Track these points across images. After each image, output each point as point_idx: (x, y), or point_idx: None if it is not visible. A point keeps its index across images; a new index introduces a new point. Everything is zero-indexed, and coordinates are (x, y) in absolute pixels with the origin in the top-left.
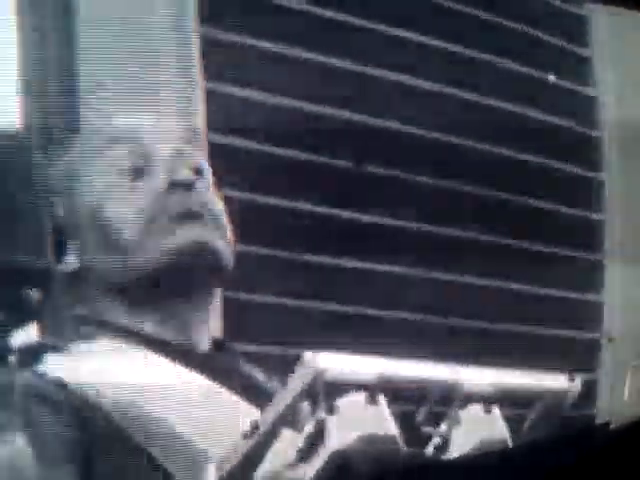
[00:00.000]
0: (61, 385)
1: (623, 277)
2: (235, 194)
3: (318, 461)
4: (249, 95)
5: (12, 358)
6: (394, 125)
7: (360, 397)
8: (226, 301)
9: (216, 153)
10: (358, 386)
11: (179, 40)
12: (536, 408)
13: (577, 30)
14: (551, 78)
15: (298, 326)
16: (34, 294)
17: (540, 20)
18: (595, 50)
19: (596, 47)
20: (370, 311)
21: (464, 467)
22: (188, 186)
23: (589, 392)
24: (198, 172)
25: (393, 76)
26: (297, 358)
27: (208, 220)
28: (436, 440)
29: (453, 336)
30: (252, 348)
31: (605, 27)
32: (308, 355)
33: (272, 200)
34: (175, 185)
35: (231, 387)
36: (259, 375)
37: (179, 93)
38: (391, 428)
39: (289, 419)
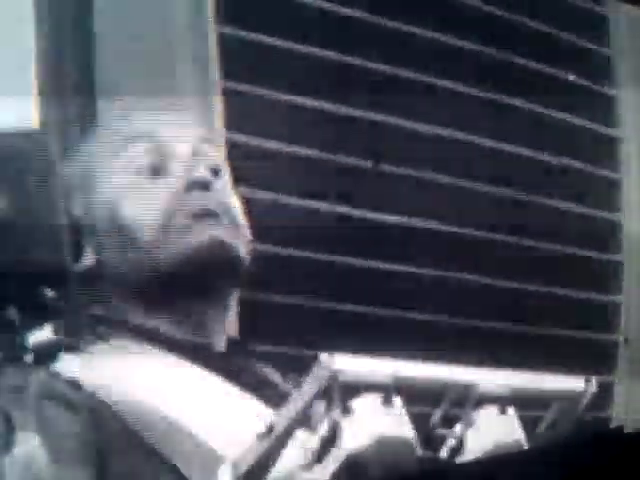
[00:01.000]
0: (76, 385)
1: None
2: (253, 193)
3: (333, 462)
4: (267, 94)
5: (28, 357)
6: (413, 125)
7: (375, 399)
8: (242, 301)
9: (234, 152)
10: (373, 388)
11: (197, 39)
12: (552, 410)
13: (597, 29)
14: (571, 77)
15: (314, 327)
16: (50, 293)
17: (559, 19)
18: (615, 49)
19: (616, 46)
20: (386, 312)
21: (479, 469)
22: (206, 185)
23: (605, 394)
24: (216, 171)
25: (411, 75)
26: (313, 359)
27: (225, 219)
28: (451, 442)
29: (468, 337)
30: (268, 348)
31: (625, 26)
32: (324, 356)
33: (289, 199)
34: (193, 184)
35: (246, 387)
36: (274, 376)
37: (197, 92)
38: (406, 430)
39: (304, 420)
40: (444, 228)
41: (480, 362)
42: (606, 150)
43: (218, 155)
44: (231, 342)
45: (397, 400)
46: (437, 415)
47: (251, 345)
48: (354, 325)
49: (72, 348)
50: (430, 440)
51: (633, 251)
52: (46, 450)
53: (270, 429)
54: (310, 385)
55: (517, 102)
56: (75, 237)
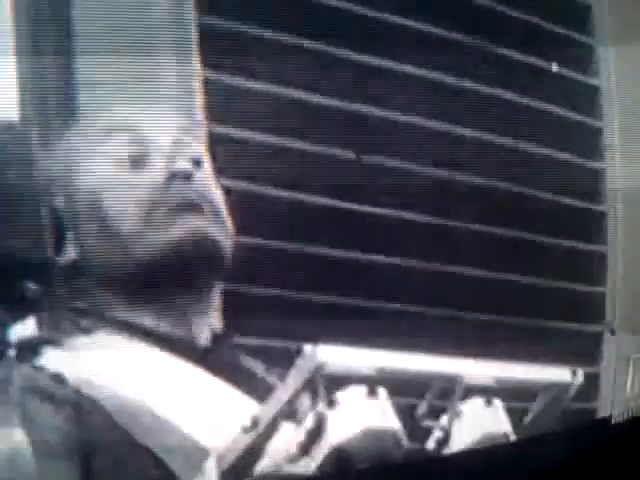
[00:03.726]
0: (60, 379)
1: (626, 269)
2: (234, 185)
3: (319, 454)
4: (249, 85)
5: (11, 352)
6: (395, 116)
7: (360, 390)
8: (225, 293)
9: (215, 143)
10: (358, 379)
11: (178, 29)
12: (538, 401)
13: (580, 18)
14: (554, 67)
15: (298, 319)
16: (32, 287)
17: (542, 7)
18: (597, 38)
19: (599, 35)
20: (371, 304)
21: (465, 460)
22: (187, 177)
23: (591, 385)
24: (197, 163)
25: (394, 65)
26: (297, 351)
27: (207, 211)
28: (437, 433)
29: (454, 329)
30: (252, 341)
31: (608, 14)
32: (308, 348)
33: (272, 191)
34: (174, 176)
35: (231, 380)
36: (259, 368)
37: (178, 83)
38: (392, 421)
39: (289, 413)
40: (428, 219)
41: (466, 353)
42: (589, 140)
43: (199, 146)
44: (215, 335)
45: (382, 392)
46: (423, 406)
47: (235, 338)
48: (339, 317)
49: (55, 342)
50: (416, 431)
51: (618, 242)
52: (30, 444)
53: (255, 422)
54: (295, 377)
55: (500, 92)
56: (57, 230)
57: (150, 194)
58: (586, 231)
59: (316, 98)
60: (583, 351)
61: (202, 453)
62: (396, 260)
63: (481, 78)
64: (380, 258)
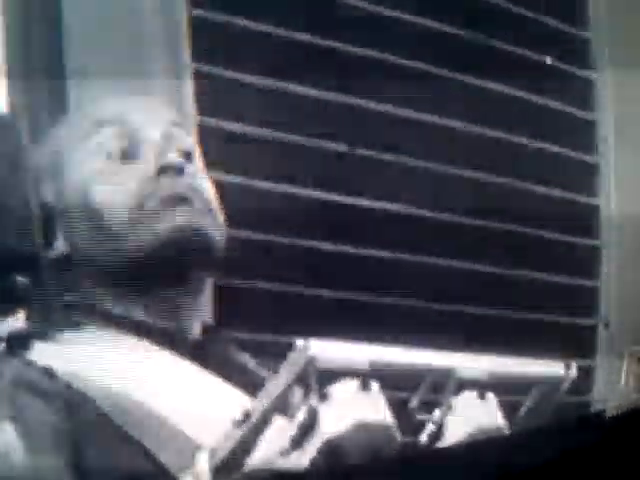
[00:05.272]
0: (50, 373)
1: (619, 262)
2: (225, 178)
3: (311, 449)
4: (239, 77)
5: (0, 346)
6: (388, 108)
7: (353, 384)
8: (217, 287)
9: (206, 136)
10: (351, 373)
11: (168, 21)
12: (532, 395)
13: (577, 11)
14: (548, 61)
15: (290, 313)
16: (22, 281)
17: (538, 1)
18: (594, 32)
19: (595, 28)
20: (363, 297)
21: (458, 453)
22: (178, 170)
23: (585, 379)
24: (187, 156)
25: (387, 58)
26: (289, 345)
27: (198, 204)
28: (430, 427)
29: (447, 322)
30: (244, 335)
31: (604, 7)
32: (300, 342)
33: (263, 184)
34: (164, 169)
35: (222, 374)
36: (251, 362)
37: (168, 75)
38: (384, 415)
39: (281, 407)
40: (423, 213)
41: (459, 347)
42: (584, 134)
43: (189, 139)
44: (206, 328)
45: (375, 385)
46: (416, 400)
47: (226, 331)
48: (331, 311)
49: (45, 336)
50: (409, 425)
51: (611, 235)
52: (21, 439)
53: (247, 416)
54: (287, 371)
55: (494, 85)
56: (46, 223)
57: (140, 187)
58: (580, 225)
59: (307, 90)
60: (577, 345)
61: (194, 447)
62: (389, 254)
63: (475, 72)
64: (373, 252)
